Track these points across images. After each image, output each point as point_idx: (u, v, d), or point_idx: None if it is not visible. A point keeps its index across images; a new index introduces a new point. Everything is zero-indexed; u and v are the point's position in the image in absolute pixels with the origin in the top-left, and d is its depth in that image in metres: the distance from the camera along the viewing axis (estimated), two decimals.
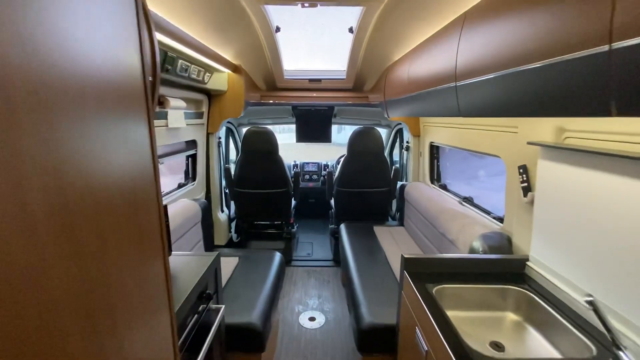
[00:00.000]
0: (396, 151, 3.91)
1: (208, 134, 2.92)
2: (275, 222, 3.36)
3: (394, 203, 3.36)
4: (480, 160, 3.11)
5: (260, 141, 2.92)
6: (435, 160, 2.82)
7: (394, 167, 3.11)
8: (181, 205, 2.13)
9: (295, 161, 4.28)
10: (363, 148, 2.97)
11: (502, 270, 1.44)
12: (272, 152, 2.95)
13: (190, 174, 2.80)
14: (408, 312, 1.40)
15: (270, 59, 2.92)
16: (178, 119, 2.25)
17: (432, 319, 1.13)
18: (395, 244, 2.61)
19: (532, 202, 1.41)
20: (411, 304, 1.36)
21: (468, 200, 2.23)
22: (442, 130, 2.57)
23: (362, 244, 2.63)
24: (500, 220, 1.81)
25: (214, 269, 1.42)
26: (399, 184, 3.18)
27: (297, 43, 3.04)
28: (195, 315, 1.21)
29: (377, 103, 3.14)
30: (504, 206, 1.70)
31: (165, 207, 0.98)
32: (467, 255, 1.48)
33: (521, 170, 1.46)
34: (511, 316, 1.34)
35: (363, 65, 2.99)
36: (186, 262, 1.36)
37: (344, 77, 3.26)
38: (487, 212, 1.98)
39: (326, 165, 4.26)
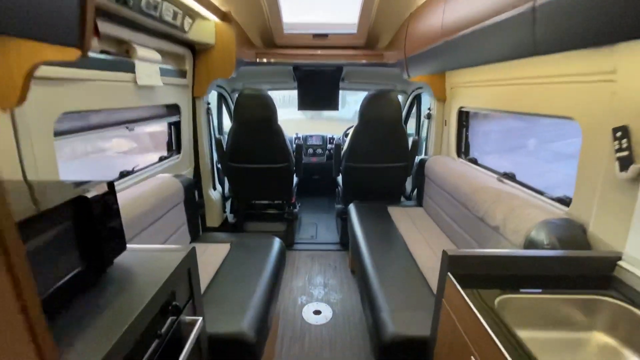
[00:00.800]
0: (410, 124, 3.44)
1: (194, 98, 2.47)
2: (275, 202, 2.97)
3: (409, 180, 2.95)
4: (524, 125, 2.60)
5: (256, 106, 2.46)
6: (464, 130, 2.37)
7: (412, 139, 2.67)
8: (157, 183, 1.73)
9: (297, 134, 3.83)
10: (377, 116, 2.51)
11: (580, 272, 1.05)
12: (270, 120, 2.50)
13: (174, 145, 2.38)
14: (452, 326, 1.02)
15: (268, 9, 2.41)
16: (151, 75, 1.79)
17: (498, 343, 0.76)
18: (415, 229, 2.23)
19: (636, 179, 0.99)
20: (459, 317, 0.99)
21: (509, 176, 1.81)
22: (477, 91, 2.11)
23: (375, 227, 2.25)
24: (564, 202, 1.40)
25: (187, 269, 1.03)
26: (417, 158, 2.76)
27: None
28: (156, 340, 0.84)
29: (394, 62, 2.65)
30: (574, 184, 1.28)
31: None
32: (533, 252, 1.09)
33: (619, 134, 1.03)
34: (601, 337, 0.96)
35: (378, 16, 2.48)
36: (148, 260, 0.98)
37: (355, 31, 2.74)
38: (540, 193, 1.57)
39: (332, 139, 3.80)
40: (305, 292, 2.41)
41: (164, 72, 2.03)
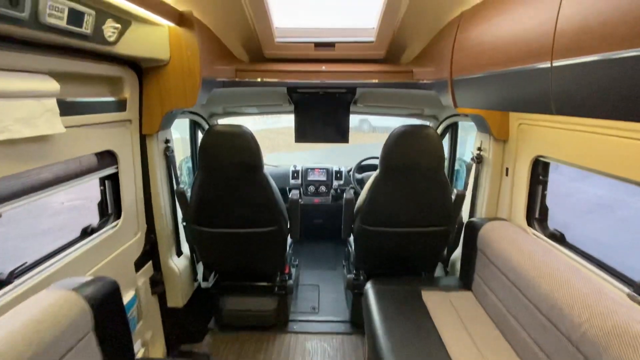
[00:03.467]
0: None
1: (143, 137, 1.72)
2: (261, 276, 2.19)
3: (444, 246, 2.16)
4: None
5: (231, 149, 1.70)
6: (541, 188, 1.59)
7: (455, 192, 1.88)
8: (37, 310, 0.95)
9: (295, 166, 3.05)
10: (408, 162, 1.72)
11: None
12: (252, 167, 1.74)
13: (109, 208, 1.62)
14: None
15: (250, 10, 1.67)
16: (30, 118, 1.03)
17: None
18: (460, 324, 1.50)
19: None
20: None
21: None
22: (569, 136, 1.33)
23: (402, 318, 1.57)
24: None
25: None
26: (463, 217, 1.98)
27: None
28: None
29: (429, 82, 1.88)
30: None
31: None
32: None
33: None
34: None
35: (407, 18, 1.73)
36: None
37: (373, 39, 1.98)
38: None
39: (339, 173, 3.01)
40: None
41: (79, 107, 1.28)
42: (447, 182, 1.77)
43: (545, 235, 1.54)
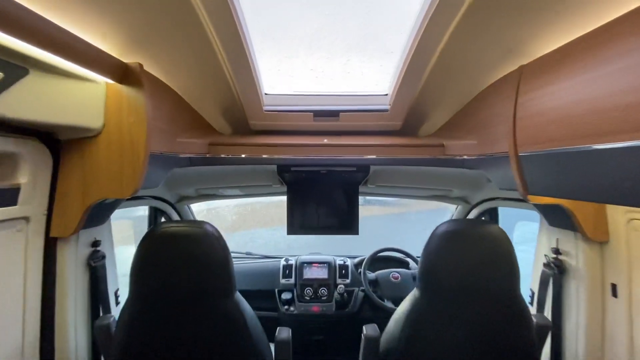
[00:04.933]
0: None
1: (50, 243, 1.11)
2: None
3: None
4: None
5: (181, 265, 1.06)
6: None
7: (534, 320, 1.22)
8: None
9: (287, 260, 2.37)
10: (466, 279, 1.08)
11: None
12: (216, 291, 1.09)
13: None
14: None
15: (231, 70, 1.27)
16: None
17: None
18: None
19: None
20: None
21: None
22: None
23: None
24: None
25: None
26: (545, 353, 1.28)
27: (292, 33, 1.40)
28: None
29: (472, 158, 1.39)
30: None
31: None
32: None
33: None
34: None
35: (432, 80, 1.33)
36: None
37: (387, 106, 1.57)
38: None
39: (344, 268, 2.33)
40: None
41: None
42: (527, 308, 1.12)
43: None
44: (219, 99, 1.49)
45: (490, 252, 1.07)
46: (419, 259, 2.27)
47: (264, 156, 1.50)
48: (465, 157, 1.39)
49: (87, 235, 1.22)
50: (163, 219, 2.03)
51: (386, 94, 1.61)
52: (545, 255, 1.32)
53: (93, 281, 1.23)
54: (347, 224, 1.84)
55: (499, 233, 1.09)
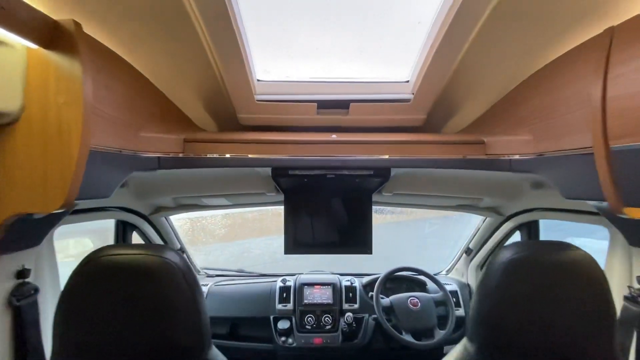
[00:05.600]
0: None
1: None
2: None
3: None
4: None
5: (127, 312, 0.72)
6: None
7: None
8: None
9: (284, 281, 2.03)
10: (543, 334, 0.73)
11: None
12: (179, 350, 0.75)
13: None
14: None
15: (214, 50, 0.96)
16: None
17: None
18: None
19: None
20: None
21: None
22: None
23: None
24: None
25: None
26: None
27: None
28: None
29: (526, 159, 1.07)
30: None
31: None
32: None
33: None
34: None
35: (467, 61, 1.03)
36: None
37: (409, 95, 1.26)
38: None
39: (351, 291, 1.99)
40: None
41: None
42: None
43: None
44: (197, 85, 1.18)
45: (584, 295, 0.73)
46: (440, 279, 1.94)
47: (255, 156, 1.17)
48: (517, 156, 1.08)
49: (9, 263, 0.88)
50: (135, 234, 1.69)
51: (407, 81, 1.30)
52: (629, 287, 1.00)
53: (17, 327, 0.89)
54: (358, 241, 1.51)
55: (591, 265, 0.75)
